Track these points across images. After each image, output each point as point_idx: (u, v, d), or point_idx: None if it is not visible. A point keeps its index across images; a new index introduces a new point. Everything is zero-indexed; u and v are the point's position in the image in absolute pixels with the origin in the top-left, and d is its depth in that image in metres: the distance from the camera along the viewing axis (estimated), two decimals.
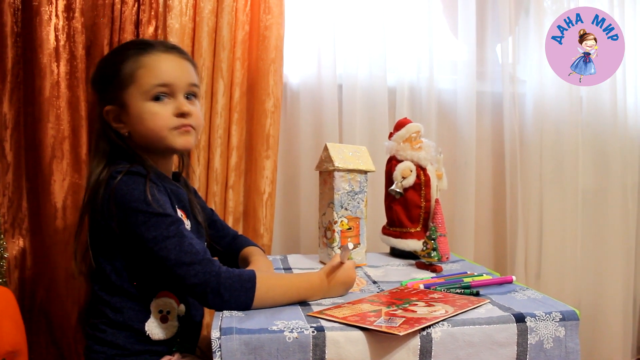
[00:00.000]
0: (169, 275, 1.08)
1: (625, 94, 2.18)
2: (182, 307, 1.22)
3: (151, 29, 1.69)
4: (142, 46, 1.21)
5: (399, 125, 1.64)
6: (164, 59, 1.20)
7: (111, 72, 1.20)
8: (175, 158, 1.36)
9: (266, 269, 1.31)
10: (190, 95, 1.23)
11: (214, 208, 1.70)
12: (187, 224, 1.21)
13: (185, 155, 1.42)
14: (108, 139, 1.21)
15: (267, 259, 1.40)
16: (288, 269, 1.46)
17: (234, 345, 0.93)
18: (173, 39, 1.68)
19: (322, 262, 1.53)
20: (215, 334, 0.94)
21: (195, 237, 1.13)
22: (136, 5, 1.68)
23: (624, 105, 2.18)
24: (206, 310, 1.76)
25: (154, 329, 1.16)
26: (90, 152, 1.26)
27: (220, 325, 0.97)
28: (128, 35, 1.66)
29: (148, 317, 1.16)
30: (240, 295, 1.05)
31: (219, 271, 1.06)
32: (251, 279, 1.07)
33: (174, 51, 1.23)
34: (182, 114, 1.19)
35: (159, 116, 1.17)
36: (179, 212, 1.20)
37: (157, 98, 1.17)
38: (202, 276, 1.05)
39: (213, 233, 1.44)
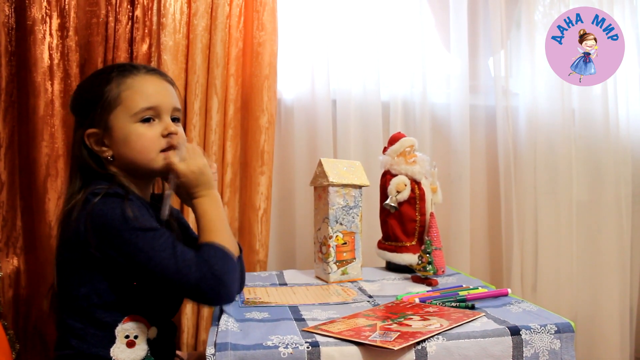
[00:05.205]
0: (169, 284, 1.07)
1: (617, 105, 2.19)
2: (154, 330, 1.18)
3: (145, 47, 1.70)
4: (124, 68, 1.21)
5: (393, 140, 1.65)
6: (149, 81, 1.20)
7: (94, 95, 1.17)
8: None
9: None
10: (175, 120, 1.22)
11: None
12: None
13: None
14: (87, 164, 1.18)
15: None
16: (284, 284, 1.46)
17: None
18: (167, 56, 1.69)
19: (318, 277, 1.52)
20: (210, 350, 0.94)
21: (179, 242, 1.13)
22: (130, 23, 1.69)
23: (616, 116, 2.19)
24: (191, 326, 1.75)
25: (119, 354, 1.12)
26: (68, 178, 1.23)
27: (215, 341, 0.97)
28: (122, 53, 1.67)
29: (113, 343, 1.12)
30: (220, 255, 1.09)
31: (204, 258, 1.08)
32: (211, 242, 1.11)
33: (156, 74, 1.23)
34: (169, 134, 1.18)
35: (146, 137, 1.16)
36: None
37: (145, 120, 1.17)
38: (199, 272, 1.06)
39: None
